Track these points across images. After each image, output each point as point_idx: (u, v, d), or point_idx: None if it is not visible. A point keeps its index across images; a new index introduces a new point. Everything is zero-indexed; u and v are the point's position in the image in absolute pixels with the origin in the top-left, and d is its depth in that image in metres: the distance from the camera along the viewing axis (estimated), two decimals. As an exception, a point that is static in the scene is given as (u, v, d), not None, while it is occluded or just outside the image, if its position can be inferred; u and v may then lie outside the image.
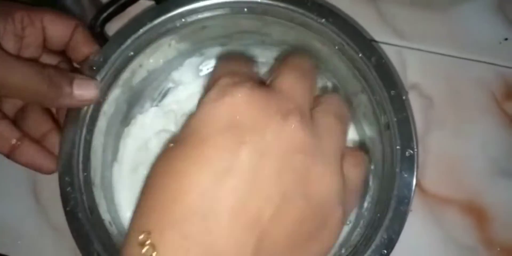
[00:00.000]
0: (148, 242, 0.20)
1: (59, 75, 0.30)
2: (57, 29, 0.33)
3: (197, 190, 0.21)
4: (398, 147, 0.31)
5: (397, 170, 0.30)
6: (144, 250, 0.20)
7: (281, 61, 0.27)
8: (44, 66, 0.30)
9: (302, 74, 0.26)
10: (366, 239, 0.30)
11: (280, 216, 0.22)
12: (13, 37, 0.31)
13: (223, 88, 0.24)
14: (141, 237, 0.20)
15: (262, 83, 0.25)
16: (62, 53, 0.35)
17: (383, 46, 0.42)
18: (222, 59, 0.28)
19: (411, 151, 0.31)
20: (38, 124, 0.34)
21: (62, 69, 0.33)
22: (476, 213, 0.39)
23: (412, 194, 0.30)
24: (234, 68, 0.27)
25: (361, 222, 0.34)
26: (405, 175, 0.30)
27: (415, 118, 0.40)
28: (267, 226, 0.21)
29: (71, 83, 0.31)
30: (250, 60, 0.28)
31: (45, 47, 0.34)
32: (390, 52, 0.41)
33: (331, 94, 0.35)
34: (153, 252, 0.20)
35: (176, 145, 0.23)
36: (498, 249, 0.38)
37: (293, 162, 0.22)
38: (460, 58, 0.42)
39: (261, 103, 0.23)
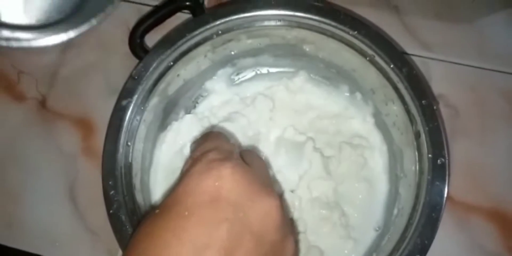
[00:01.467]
0: None
1: None
2: None
3: None
4: (430, 155, 0.32)
5: (429, 177, 0.32)
6: None
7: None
8: None
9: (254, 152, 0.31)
10: (399, 244, 0.31)
11: None
12: None
13: (209, 162, 0.25)
14: None
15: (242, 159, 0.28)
16: None
17: (409, 58, 0.43)
18: (204, 136, 0.31)
19: (443, 159, 0.32)
20: None
21: None
22: (502, 221, 0.39)
23: (444, 201, 0.31)
24: (217, 144, 0.29)
25: (391, 228, 0.35)
26: (437, 183, 0.31)
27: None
28: None
29: None
30: (229, 138, 0.32)
31: None
32: (416, 63, 0.43)
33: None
34: None
35: (160, 213, 0.24)
36: None
37: (270, 241, 0.25)
38: (484, 69, 0.43)
39: (244, 180, 0.25)
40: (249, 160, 0.28)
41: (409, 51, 0.43)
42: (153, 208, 0.36)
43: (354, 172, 0.39)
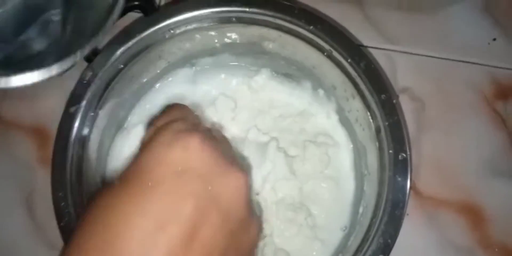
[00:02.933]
0: None
1: None
2: None
3: (137, 236, 0.21)
4: (390, 151, 0.31)
5: (391, 174, 0.31)
6: None
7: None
8: None
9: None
10: (363, 244, 0.30)
11: None
12: None
13: (176, 132, 0.24)
14: None
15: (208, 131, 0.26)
16: None
17: (372, 51, 0.42)
18: (168, 107, 0.30)
19: (404, 155, 0.31)
20: None
21: None
22: (472, 214, 0.39)
23: (407, 198, 0.30)
24: (184, 115, 0.28)
25: (357, 227, 0.34)
26: (399, 179, 0.30)
27: (407, 121, 0.40)
28: None
29: None
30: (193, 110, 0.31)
31: None
32: (380, 56, 0.42)
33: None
34: None
35: (120, 184, 0.23)
36: (496, 249, 0.38)
37: (237, 219, 0.24)
38: (449, 60, 0.42)
39: (213, 153, 0.24)
40: (216, 137, 0.27)
41: (373, 44, 0.42)
42: (106, 183, 0.35)
43: (319, 171, 0.38)
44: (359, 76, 0.33)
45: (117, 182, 0.23)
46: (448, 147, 0.40)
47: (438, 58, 0.42)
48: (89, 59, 0.36)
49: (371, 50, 0.42)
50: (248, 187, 0.25)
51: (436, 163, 0.39)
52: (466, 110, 0.41)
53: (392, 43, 0.43)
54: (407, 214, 0.30)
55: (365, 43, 0.42)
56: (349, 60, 0.33)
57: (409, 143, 0.31)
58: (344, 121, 0.38)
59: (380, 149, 0.32)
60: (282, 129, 0.39)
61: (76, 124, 0.33)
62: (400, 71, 0.42)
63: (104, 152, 0.36)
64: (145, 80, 0.38)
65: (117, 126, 0.38)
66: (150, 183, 0.22)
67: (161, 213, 0.21)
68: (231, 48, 0.39)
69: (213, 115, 0.39)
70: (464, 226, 0.38)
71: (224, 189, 0.23)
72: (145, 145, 0.24)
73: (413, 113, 0.40)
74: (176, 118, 0.26)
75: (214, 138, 0.26)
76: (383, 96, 0.32)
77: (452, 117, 0.41)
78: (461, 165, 0.39)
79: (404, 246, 0.30)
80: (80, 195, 0.32)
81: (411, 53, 0.42)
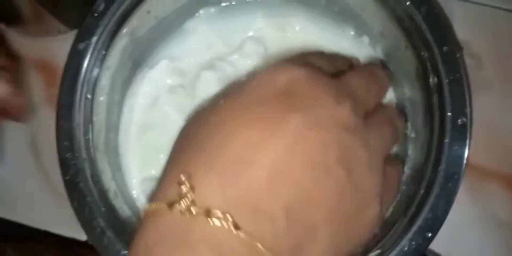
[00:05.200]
0: (187, 182, 0.20)
1: None
2: None
3: (242, 143, 0.21)
4: (449, 113, 0.27)
5: (447, 140, 0.26)
6: (184, 190, 0.20)
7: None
8: None
9: (372, 79, 0.27)
10: (407, 217, 0.27)
11: (320, 185, 0.21)
12: None
13: (291, 63, 0.24)
14: (181, 177, 0.20)
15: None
16: None
17: None
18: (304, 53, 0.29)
19: (464, 119, 0.26)
20: None
21: None
22: None
23: (463, 170, 0.26)
24: (310, 59, 0.26)
25: (398, 196, 0.30)
26: (456, 147, 0.26)
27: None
28: (306, 189, 0.21)
29: None
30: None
31: None
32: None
33: (388, 105, 0.33)
34: (191, 192, 0.20)
35: (228, 101, 0.23)
36: None
37: (341, 138, 0.22)
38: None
39: (321, 84, 0.23)
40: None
41: None
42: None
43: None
44: (417, 22, 0.28)
45: (223, 101, 0.23)
46: (505, 113, 0.35)
47: (504, 9, 0.36)
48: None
49: None
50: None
51: (488, 129, 0.35)
52: None
53: None
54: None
55: None
56: (407, 3, 0.28)
57: (471, 106, 0.27)
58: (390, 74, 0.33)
59: (435, 110, 0.27)
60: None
61: (86, 62, 0.29)
62: (457, 22, 0.36)
63: (116, 98, 0.32)
64: (163, 15, 0.33)
65: (133, 68, 0.33)
66: (255, 102, 0.22)
67: (265, 126, 0.21)
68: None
69: (238, 61, 0.35)
70: (510, 200, 0.34)
71: (329, 115, 0.22)
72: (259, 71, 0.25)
73: (468, 70, 0.35)
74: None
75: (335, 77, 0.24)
76: (445, 48, 0.27)
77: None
78: None
79: None
80: (87, 146, 0.28)
81: (473, 2, 0.36)
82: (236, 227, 0.19)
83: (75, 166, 0.28)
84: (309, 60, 0.25)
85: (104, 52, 0.30)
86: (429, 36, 0.28)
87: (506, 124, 0.35)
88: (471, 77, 0.35)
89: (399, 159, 0.30)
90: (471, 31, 0.36)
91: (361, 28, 0.34)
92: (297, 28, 0.35)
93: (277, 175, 0.20)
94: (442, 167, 0.26)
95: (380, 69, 0.29)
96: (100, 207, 0.28)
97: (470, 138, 0.26)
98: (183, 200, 0.20)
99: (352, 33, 0.34)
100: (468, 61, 0.35)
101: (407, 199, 0.28)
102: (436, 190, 0.26)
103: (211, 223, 0.19)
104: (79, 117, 0.29)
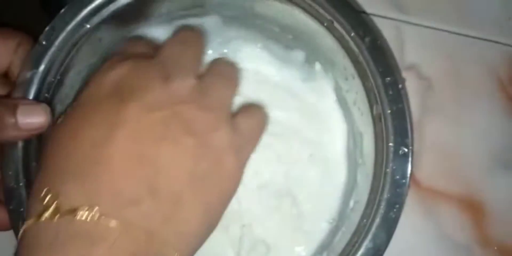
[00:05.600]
0: (50, 192, 0.21)
1: None
2: None
3: (88, 142, 0.22)
4: (391, 143, 0.27)
5: (388, 170, 0.27)
6: (48, 200, 0.21)
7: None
8: None
9: (184, 43, 0.28)
10: (350, 246, 0.27)
11: (172, 157, 0.23)
12: None
13: (111, 63, 0.26)
14: (43, 191, 0.21)
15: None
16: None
17: (380, 20, 0.37)
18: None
19: (406, 149, 0.27)
20: None
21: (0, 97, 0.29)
22: (473, 209, 0.35)
23: (404, 199, 0.26)
24: (130, 49, 0.28)
25: (346, 222, 0.30)
26: (397, 177, 0.27)
27: (411, 102, 0.35)
28: (161, 164, 0.22)
29: (14, 112, 0.26)
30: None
31: None
32: (387, 27, 0.37)
33: (218, 58, 0.33)
34: (56, 199, 0.21)
35: (73, 109, 0.25)
36: (495, 248, 0.35)
37: (178, 110, 0.24)
38: (463, 35, 0.37)
39: (142, 69, 0.25)
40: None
41: (380, 12, 0.38)
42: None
43: (309, 154, 0.34)
44: (362, 53, 0.29)
45: (61, 119, 0.25)
46: (454, 134, 0.36)
47: (452, 32, 0.37)
48: (50, 14, 0.31)
49: (377, 19, 0.37)
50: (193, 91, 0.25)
51: (439, 151, 0.36)
52: (478, 94, 0.37)
53: (402, 12, 0.38)
54: (402, 208, 0.26)
55: (372, 11, 0.37)
56: (352, 34, 0.29)
57: (412, 135, 0.27)
58: (341, 101, 0.34)
59: (379, 139, 0.28)
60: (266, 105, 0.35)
61: (32, 91, 0.29)
62: (408, 45, 0.37)
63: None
64: (115, 42, 0.33)
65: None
66: (90, 106, 0.24)
67: (105, 121, 0.23)
68: (220, 9, 0.34)
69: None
70: (463, 221, 0.35)
71: (160, 95, 0.24)
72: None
73: (418, 93, 0.36)
74: (119, 53, 0.27)
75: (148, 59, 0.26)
76: (387, 79, 0.28)
77: (462, 100, 0.36)
78: (466, 156, 0.36)
79: (398, 239, 0.27)
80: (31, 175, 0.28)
81: (422, 25, 0.37)
82: (104, 216, 0.20)
83: (20, 195, 0.27)
84: (130, 50, 0.28)
85: (52, 79, 0.29)
86: (372, 66, 0.28)
87: (457, 146, 0.36)
88: (420, 99, 0.36)
89: (257, 105, 0.31)
90: (422, 55, 0.37)
91: (313, 56, 0.34)
92: (250, 53, 0.35)
93: (130, 161, 0.22)
94: (385, 196, 0.26)
95: (189, 31, 0.31)
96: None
97: (412, 168, 0.27)
98: (49, 208, 0.20)
99: (304, 59, 0.35)
100: (418, 83, 0.36)
101: (354, 227, 0.28)
102: (377, 220, 0.26)
103: (78, 218, 0.20)
104: (24, 144, 0.28)
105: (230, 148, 0.25)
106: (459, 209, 0.35)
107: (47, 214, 0.20)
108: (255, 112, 0.29)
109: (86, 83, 0.26)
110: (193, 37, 0.30)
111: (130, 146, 0.22)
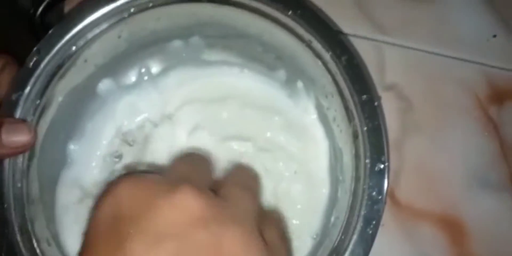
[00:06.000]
0: None
1: None
2: None
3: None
4: (367, 160, 0.27)
5: (365, 186, 0.27)
6: None
7: None
8: None
9: (192, 161, 0.28)
10: (328, 261, 0.27)
11: None
12: None
13: (106, 192, 0.21)
14: None
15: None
16: None
17: (360, 41, 0.38)
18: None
19: (382, 166, 0.27)
20: None
21: None
22: (453, 228, 0.36)
23: (380, 216, 0.27)
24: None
25: (327, 238, 0.31)
26: (373, 193, 0.27)
27: (391, 122, 0.36)
28: None
29: None
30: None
31: None
32: (368, 48, 0.38)
33: (237, 165, 0.33)
34: None
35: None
36: None
37: (196, 238, 0.19)
38: (444, 56, 0.38)
39: (142, 189, 0.21)
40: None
41: (361, 33, 0.39)
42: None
43: (294, 170, 0.35)
44: (339, 72, 0.29)
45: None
46: (433, 153, 0.37)
47: (431, 53, 0.38)
48: (38, 36, 0.32)
49: (358, 40, 0.38)
50: (198, 200, 0.20)
51: (418, 170, 0.36)
52: (457, 114, 0.37)
53: (382, 33, 0.39)
54: (382, 224, 0.27)
55: (352, 31, 0.38)
56: (329, 53, 0.30)
57: (388, 153, 0.27)
58: (323, 119, 0.35)
59: (356, 156, 0.28)
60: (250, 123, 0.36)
61: (18, 113, 0.30)
62: (389, 65, 0.38)
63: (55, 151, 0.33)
64: (101, 62, 0.34)
65: (70, 115, 0.34)
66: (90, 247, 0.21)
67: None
68: (202, 31, 0.35)
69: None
70: (443, 240, 0.35)
71: (169, 217, 0.20)
72: None
73: (398, 113, 0.37)
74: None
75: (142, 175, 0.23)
76: (364, 97, 0.28)
77: (441, 120, 0.37)
78: (445, 174, 0.36)
79: None
80: (18, 196, 0.28)
81: (402, 46, 0.38)
82: None
83: (3, 216, 0.28)
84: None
85: (37, 102, 0.30)
86: (349, 84, 0.29)
87: (436, 165, 0.37)
88: (400, 119, 0.37)
89: (273, 214, 0.31)
90: (403, 74, 0.38)
91: (295, 74, 0.35)
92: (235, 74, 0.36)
93: None
94: (362, 213, 0.27)
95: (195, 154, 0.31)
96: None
97: (388, 185, 0.27)
98: None
99: (286, 78, 0.35)
100: (398, 103, 0.37)
101: (334, 244, 0.28)
102: (355, 236, 0.26)
103: None
104: (9, 165, 0.29)
105: None
106: (438, 227, 0.36)
107: None
108: (275, 220, 0.28)
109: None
110: (199, 157, 0.30)
111: None
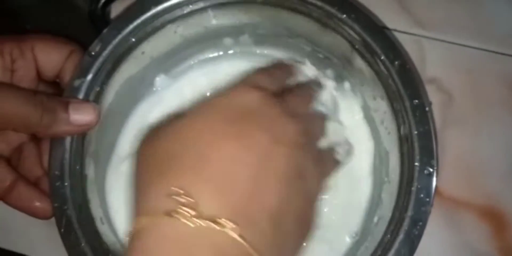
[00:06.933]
0: (183, 194, 0.21)
1: (52, 100, 0.29)
2: (50, 58, 0.31)
3: (223, 156, 0.23)
4: (416, 163, 0.28)
5: (413, 188, 0.28)
6: (183, 200, 0.20)
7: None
8: (36, 92, 0.28)
9: (307, 97, 0.31)
10: (372, 260, 0.28)
11: (289, 193, 0.24)
12: (3, 71, 0.29)
13: (246, 87, 0.26)
14: (174, 189, 0.21)
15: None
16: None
17: (401, 35, 0.38)
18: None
19: (431, 169, 0.28)
20: (34, 166, 0.32)
21: (55, 95, 0.31)
22: (495, 219, 0.36)
23: (427, 217, 0.27)
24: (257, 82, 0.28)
25: (369, 237, 0.31)
26: (421, 195, 0.28)
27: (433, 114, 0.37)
28: (282, 198, 0.23)
29: (66, 108, 0.29)
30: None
31: (41, 79, 0.32)
32: (408, 42, 0.38)
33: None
34: (191, 202, 0.21)
35: (198, 116, 0.25)
36: None
37: (295, 153, 0.24)
38: (484, 50, 0.38)
39: (272, 106, 0.26)
40: None
41: (402, 28, 0.39)
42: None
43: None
44: (391, 76, 0.30)
45: (189, 116, 0.25)
46: (475, 145, 0.37)
47: (473, 47, 0.38)
48: (98, 28, 0.34)
49: (398, 34, 0.39)
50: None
51: (460, 162, 0.36)
52: (498, 108, 0.37)
53: (423, 28, 0.39)
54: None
55: (393, 27, 0.39)
56: (382, 58, 0.30)
57: (437, 156, 0.28)
58: (369, 120, 0.35)
59: (405, 159, 0.29)
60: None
61: (80, 98, 0.31)
62: (429, 60, 0.38)
63: (110, 130, 0.34)
64: (156, 55, 0.35)
65: (124, 105, 0.35)
66: (225, 118, 0.25)
67: (239, 143, 0.23)
68: (253, 32, 0.36)
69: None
70: (485, 231, 0.36)
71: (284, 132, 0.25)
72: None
73: (439, 106, 0.37)
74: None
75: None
76: (415, 101, 0.29)
77: (482, 114, 0.37)
78: (487, 166, 0.36)
79: (420, 248, 0.27)
80: (77, 176, 0.30)
81: (443, 41, 0.39)
82: (241, 236, 0.20)
83: (64, 194, 0.29)
84: (256, 82, 0.28)
85: (98, 89, 0.32)
86: (401, 89, 0.30)
87: (477, 156, 0.37)
88: (441, 112, 0.37)
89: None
90: (443, 68, 0.38)
91: (343, 74, 0.35)
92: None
93: (258, 186, 0.22)
94: (409, 213, 0.28)
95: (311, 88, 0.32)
96: (86, 233, 0.29)
97: (436, 188, 0.28)
98: (184, 209, 0.20)
99: (333, 77, 0.36)
100: (439, 96, 0.37)
101: (377, 243, 0.29)
102: (401, 236, 0.27)
103: (219, 230, 0.20)
104: (70, 147, 0.30)
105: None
106: (480, 218, 0.36)
107: (185, 215, 0.20)
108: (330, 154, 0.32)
109: (220, 94, 0.26)
110: (312, 93, 0.32)
111: (259, 172, 0.23)
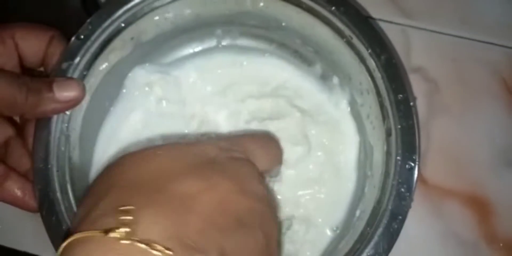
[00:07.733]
0: (126, 214, 0.20)
1: (36, 80, 0.29)
2: (30, 44, 0.31)
3: (183, 189, 0.22)
4: (398, 157, 0.28)
5: (394, 182, 0.28)
6: (124, 219, 0.20)
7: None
8: (19, 75, 0.29)
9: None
10: (352, 252, 0.28)
11: (241, 234, 0.23)
12: None
13: (215, 145, 0.26)
14: (120, 208, 0.20)
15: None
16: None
17: (387, 25, 0.39)
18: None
19: (412, 164, 0.28)
20: (23, 159, 0.32)
21: (38, 77, 0.31)
22: (479, 206, 0.36)
23: (407, 212, 0.27)
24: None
25: (351, 231, 0.31)
26: (402, 190, 0.28)
27: (418, 103, 0.37)
28: (234, 237, 0.22)
29: (50, 86, 0.29)
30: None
31: (24, 68, 0.32)
32: (394, 31, 0.38)
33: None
34: (131, 222, 0.20)
35: (170, 152, 0.25)
36: (501, 244, 0.36)
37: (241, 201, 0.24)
38: (469, 39, 0.39)
39: (234, 160, 0.26)
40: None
41: (387, 18, 0.39)
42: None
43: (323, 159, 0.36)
44: (378, 69, 0.30)
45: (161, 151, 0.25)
46: (460, 133, 0.37)
47: (457, 36, 0.39)
48: (89, 12, 0.33)
49: (385, 24, 0.39)
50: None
51: (445, 150, 0.37)
52: (483, 95, 0.38)
53: (408, 17, 0.39)
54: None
55: (379, 16, 0.39)
56: (369, 51, 0.30)
57: (419, 151, 0.28)
58: (355, 114, 0.35)
59: (388, 153, 0.29)
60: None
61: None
62: (415, 49, 0.39)
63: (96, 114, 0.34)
64: (145, 40, 0.35)
65: (112, 88, 0.35)
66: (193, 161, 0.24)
67: (203, 183, 0.23)
68: (244, 19, 0.36)
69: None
70: (469, 219, 0.36)
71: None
72: None
73: (425, 94, 0.38)
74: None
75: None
76: (400, 96, 0.29)
77: (467, 101, 0.38)
78: (472, 154, 0.37)
79: (405, 235, 0.28)
80: (60, 158, 0.30)
81: (429, 30, 0.39)
82: None
83: (47, 176, 0.29)
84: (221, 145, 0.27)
85: (85, 73, 0.31)
86: (386, 83, 0.30)
87: (462, 145, 0.37)
88: (427, 100, 0.37)
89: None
90: (428, 57, 0.39)
91: (331, 70, 0.36)
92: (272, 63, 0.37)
93: (211, 223, 0.22)
94: (388, 207, 0.28)
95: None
96: (68, 215, 0.29)
97: (416, 182, 0.28)
98: (122, 228, 0.20)
99: (322, 73, 0.36)
100: (424, 85, 0.38)
101: (358, 236, 0.29)
102: (380, 229, 0.27)
103: (148, 253, 0.19)
104: (55, 130, 0.30)
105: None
106: (465, 206, 0.36)
107: (121, 234, 0.19)
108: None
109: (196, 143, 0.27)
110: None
111: (215, 211, 0.22)
